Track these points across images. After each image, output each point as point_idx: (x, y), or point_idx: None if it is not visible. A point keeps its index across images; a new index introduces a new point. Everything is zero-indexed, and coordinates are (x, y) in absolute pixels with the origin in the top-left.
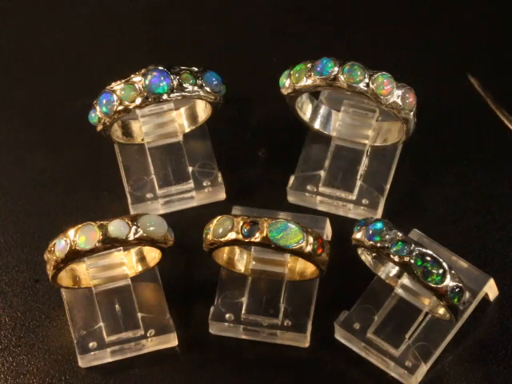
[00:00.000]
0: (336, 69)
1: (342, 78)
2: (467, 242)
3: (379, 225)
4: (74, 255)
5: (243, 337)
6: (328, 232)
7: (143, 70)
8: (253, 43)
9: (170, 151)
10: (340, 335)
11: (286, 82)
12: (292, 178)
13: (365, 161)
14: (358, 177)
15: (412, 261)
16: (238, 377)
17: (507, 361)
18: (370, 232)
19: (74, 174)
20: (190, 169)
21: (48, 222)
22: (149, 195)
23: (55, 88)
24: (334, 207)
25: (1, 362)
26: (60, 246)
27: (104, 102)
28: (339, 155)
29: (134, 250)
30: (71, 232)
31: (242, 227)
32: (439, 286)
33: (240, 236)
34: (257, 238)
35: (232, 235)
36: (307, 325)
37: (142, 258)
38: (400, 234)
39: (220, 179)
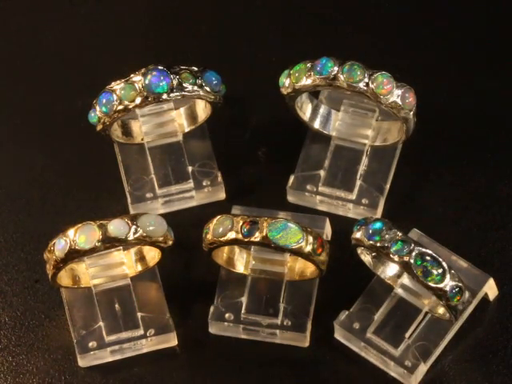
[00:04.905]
0: (336, 68)
1: (341, 77)
2: (467, 241)
3: (379, 224)
4: (74, 255)
5: (243, 336)
6: (328, 232)
7: (143, 70)
8: (253, 43)
9: (170, 151)
10: (340, 335)
11: (285, 82)
12: (292, 178)
13: (364, 160)
14: (358, 176)
15: (412, 260)
16: (238, 377)
17: (507, 361)
18: (370, 231)
19: (74, 174)
20: (190, 168)
21: (48, 222)
22: (148, 195)
23: (55, 88)
24: (334, 207)
25: (0, 362)
26: (60, 246)
27: (104, 101)
28: (339, 155)
29: (133, 250)
30: (71, 231)
31: (241, 227)
32: (439, 285)
33: (240, 235)
34: (256, 237)
35: (232, 235)
36: (307, 324)
37: (141, 258)
38: (400, 234)
39: (220, 179)
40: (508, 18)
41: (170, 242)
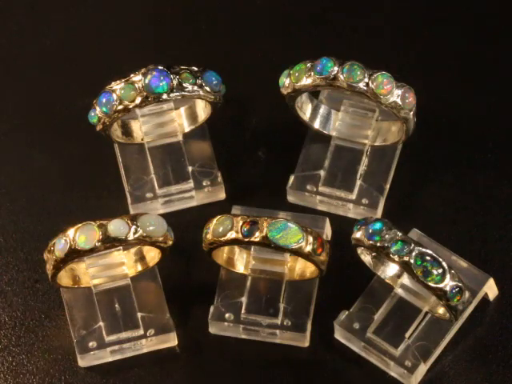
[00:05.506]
0: (336, 68)
1: (341, 77)
2: (467, 241)
3: (379, 224)
4: (74, 255)
5: (243, 336)
6: (328, 232)
7: (143, 70)
8: (253, 43)
9: (170, 151)
10: (340, 335)
11: (285, 82)
12: (292, 178)
13: (364, 160)
14: (358, 176)
15: (412, 260)
16: (238, 377)
17: (507, 361)
18: (370, 231)
19: (74, 174)
20: (190, 168)
21: (48, 222)
22: (148, 195)
23: (55, 88)
24: (334, 207)
25: (0, 362)
26: (60, 246)
27: (104, 101)
28: (339, 155)
29: (133, 250)
30: (71, 231)
31: (241, 227)
32: (439, 285)
33: (240, 235)
34: (256, 237)
35: (232, 235)
36: (307, 324)
37: (141, 258)
38: (400, 234)
39: (220, 179)
40: (508, 17)
41: (170, 242)
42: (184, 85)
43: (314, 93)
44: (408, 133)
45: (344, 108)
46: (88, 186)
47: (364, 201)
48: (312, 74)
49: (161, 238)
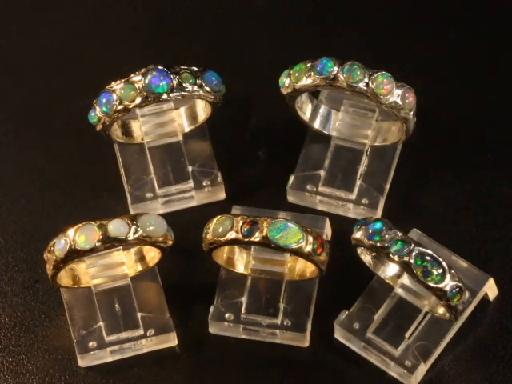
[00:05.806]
0: (336, 68)
1: (341, 77)
2: (467, 241)
3: (379, 224)
4: (74, 255)
5: (243, 336)
6: (328, 232)
7: (143, 70)
8: (253, 43)
9: (170, 151)
10: (340, 335)
11: (285, 82)
12: (292, 178)
13: (364, 160)
14: (358, 176)
15: (412, 260)
16: (238, 377)
17: (507, 361)
18: (370, 231)
19: (74, 174)
20: (190, 168)
21: (48, 222)
22: (148, 195)
23: (55, 88)
24: (334, 207)
25: (0, 362)
26: (60, 246)
27: (104, 101)
28: (339, 155)
29: (133, 250)
30: (71, 231)
31: (241, 227)
32: (439, 285)
33: (240, 235)
34: (256, 237)
35: (232, 235)
36: (307, 324)
37: (141, 258)
38: (400, 234)
39: (220, 179)
40: (508, 17)
41: (170, 242)
42: (184, 85)
43: (314, 93)
44: (408, 133)
45: (344, 108)
46: (88, 186)
47: (364, 201)
48: (312, 74)
49: (161, 238)
